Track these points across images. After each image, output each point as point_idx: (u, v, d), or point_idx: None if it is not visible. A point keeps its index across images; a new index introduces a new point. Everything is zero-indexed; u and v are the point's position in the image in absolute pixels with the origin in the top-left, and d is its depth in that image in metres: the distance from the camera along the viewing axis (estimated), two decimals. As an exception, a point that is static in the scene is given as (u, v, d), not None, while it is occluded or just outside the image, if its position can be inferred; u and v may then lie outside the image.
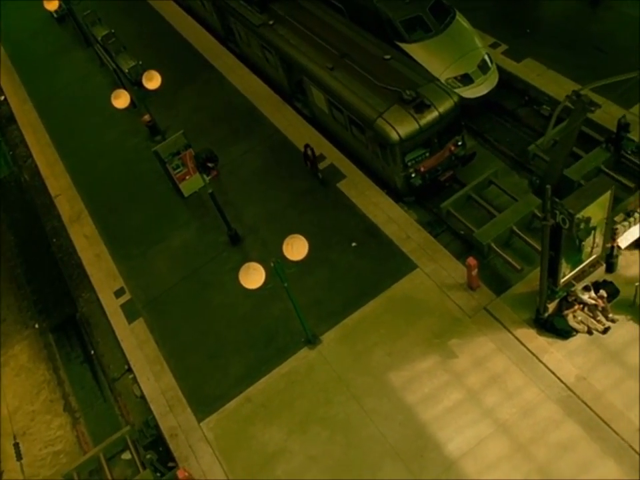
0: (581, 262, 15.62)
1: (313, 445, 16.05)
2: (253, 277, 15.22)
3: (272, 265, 15.32)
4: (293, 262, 15.27)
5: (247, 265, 15.28)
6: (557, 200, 13.44)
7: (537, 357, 15.92)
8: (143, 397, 18.46)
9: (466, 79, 21.21)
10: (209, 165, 18.85)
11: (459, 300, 17.33)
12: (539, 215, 16.92)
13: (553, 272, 15.20)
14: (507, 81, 22.24)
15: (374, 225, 19.63)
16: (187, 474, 15.51)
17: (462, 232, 18.92)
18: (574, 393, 15.19)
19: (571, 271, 15.59)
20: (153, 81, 21.00)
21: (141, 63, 24.80)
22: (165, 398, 17.94)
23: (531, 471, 14.48)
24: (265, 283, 15.29)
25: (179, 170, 21.60)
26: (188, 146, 21.16)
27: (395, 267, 18.45)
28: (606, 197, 14.41)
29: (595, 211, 15.00)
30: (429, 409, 15.79)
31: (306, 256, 18.90)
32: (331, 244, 19.55)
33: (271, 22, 23.23)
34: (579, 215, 14.72)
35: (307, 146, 20.72)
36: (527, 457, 14.66)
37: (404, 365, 16.63)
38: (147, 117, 24.07)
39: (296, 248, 15.33)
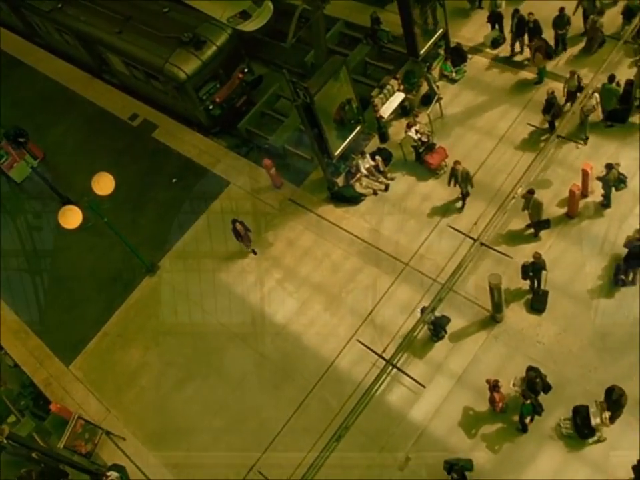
0: (349, 135, 18.20)
1: (167, 353, 18.05)
2: (70, 217, 16.99)
3: (86, 204, 17.15)
4: (105, 198, 17.30)
5: (62, 208, 17.08)
6: (294, 80, 15.80)
7: (337, 225, 18.47)
8: (16, 365, 19.87)
9: (244, 15, 23.41)
10: (20, 140, 20.32)
11: (268, 199, 19.67)
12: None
13: (324, 147, 17.67)
14: (286, 10, 24.56)
15: (189, 160, 21.67)
16: (58, 406, 17.17)
17: (266, 145, 21.17)
18: (369, 244, 17.83)
19: (342, 144, 18.13)
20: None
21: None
22: (34, 356, 19.45)
23: (345, 313, 17.02)
24: (86, 222, 17.25)
25: (4, 159, 22.83)
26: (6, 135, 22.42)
27: (211, 188, 20.59)
28: (343, 72, 16.93)
29: (346, 90, 17.62)
30: (257, 293, 18.09)
31: (134, 200, 20.90)
32: (155, 186, 21.48)
33: (59, 5, 24.60)
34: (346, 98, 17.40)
35: (234, 221, 18.26)
36: (339, 303, 17.20)
37: (230, 265, 18.83)
38: (-36, 123, 25.04)
39: (103, 183, 17.21)
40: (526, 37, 19.28)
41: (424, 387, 13.99)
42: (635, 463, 12.12)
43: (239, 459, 15.27)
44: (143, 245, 19.73)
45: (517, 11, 19.03)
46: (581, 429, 13.30)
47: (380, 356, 12.81)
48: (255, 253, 18.74)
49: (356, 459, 14.55)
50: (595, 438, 13.44)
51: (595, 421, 12.92)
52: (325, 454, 11.77)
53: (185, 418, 16.84)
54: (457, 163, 16.74)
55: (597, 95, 16.80)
